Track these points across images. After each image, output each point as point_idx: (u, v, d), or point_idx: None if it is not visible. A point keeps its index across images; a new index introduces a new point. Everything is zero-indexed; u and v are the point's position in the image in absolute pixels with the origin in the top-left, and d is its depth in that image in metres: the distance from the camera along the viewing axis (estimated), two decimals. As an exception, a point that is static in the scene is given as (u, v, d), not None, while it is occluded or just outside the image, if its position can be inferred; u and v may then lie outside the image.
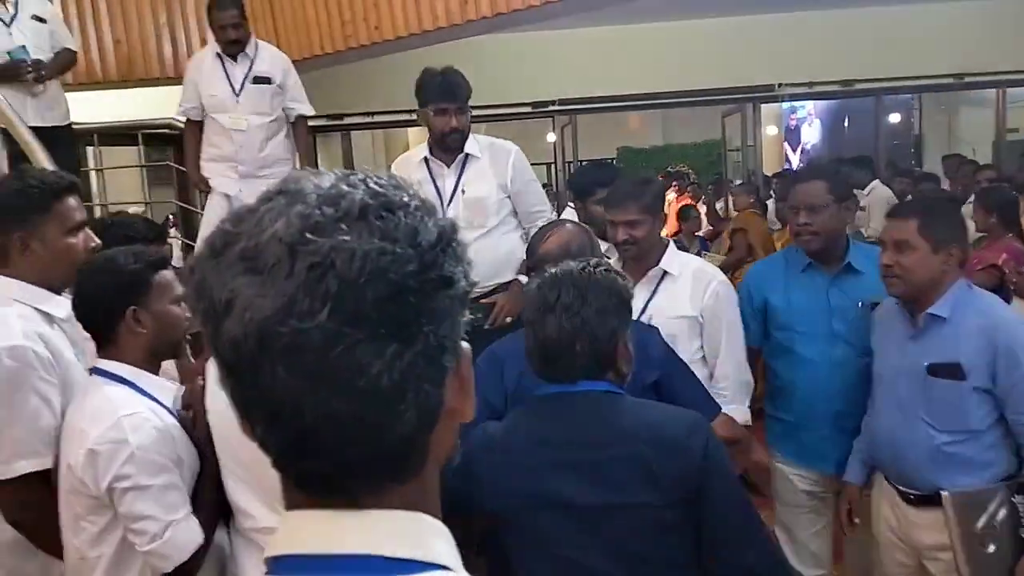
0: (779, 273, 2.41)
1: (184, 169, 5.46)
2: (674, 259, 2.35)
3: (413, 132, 11.52)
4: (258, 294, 0.51)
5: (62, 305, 1.68)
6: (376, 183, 0.55)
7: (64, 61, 3.87)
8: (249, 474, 1.43)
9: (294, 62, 4.67)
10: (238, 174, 3.70)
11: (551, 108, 6.60)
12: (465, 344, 0.59)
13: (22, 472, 1.56)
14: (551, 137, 11.43)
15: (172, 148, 5.70)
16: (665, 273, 2.33)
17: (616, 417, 1.38)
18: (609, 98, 6.68)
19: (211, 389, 1.51)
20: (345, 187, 0.54)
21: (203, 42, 5.00)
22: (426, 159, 2.83)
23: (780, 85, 6.88)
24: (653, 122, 14.69)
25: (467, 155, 2.77)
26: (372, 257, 0.51)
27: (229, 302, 0.52)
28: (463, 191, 2.84)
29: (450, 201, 2.84)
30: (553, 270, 1.43)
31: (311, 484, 0.56)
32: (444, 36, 4.07)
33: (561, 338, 1.35)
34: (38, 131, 3.48)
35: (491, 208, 2.79)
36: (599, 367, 1.38)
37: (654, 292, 2.35)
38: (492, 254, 2.76)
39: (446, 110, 2.66)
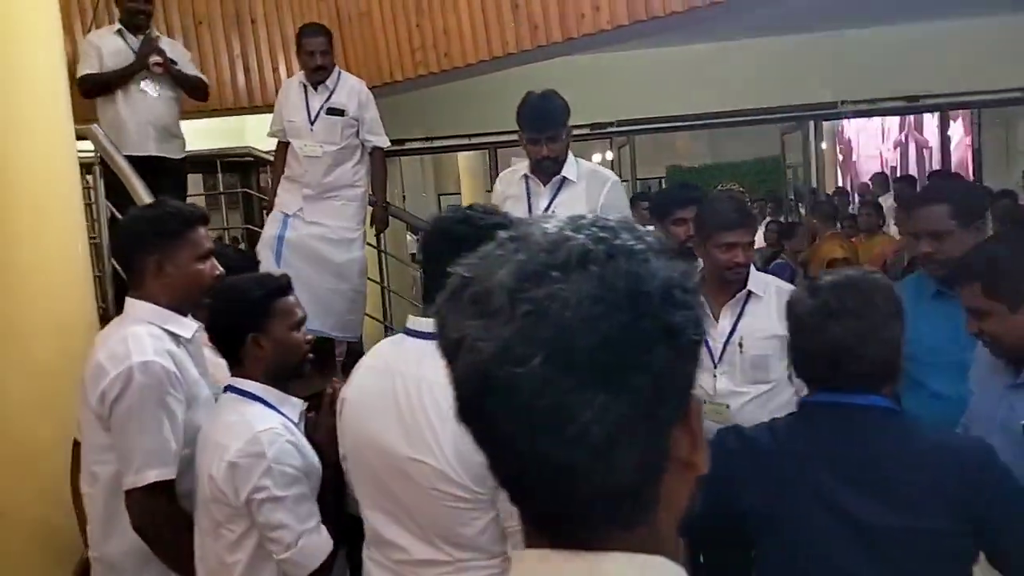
0: (907, 300, 2.35)
1: (251, 193, 5.70)
2: (758, 279, 2.35)
3: (463, 156, 11.69)
4: (482, 337, 0.53)
5: (188, 326, 1.78)
6: (603, 227, 0.56)
7: (194, 79, 4.13)
8: (399, 507, 1.46)
9: (364, 90, 4.80)
10: (302, 196, 3.85)
11: (609, 129, 6.63)
12: (697, 399, 0.59)
13: (150, 481, 1.66)
14: (608, 155, 11.44)
15: (241, 175, 5.90)
16: (751, 294, 2.33)
17: (908, 437, 1.37)
18: (668, 118, 6.68)
19: (353, 419, 1.54)
20: (569, 232, 0.55)
21: (275, 72, 5.17)
22: (526, 175, 2.89)
23: (842, 103, 6.81)
24: (702, 141, 14.64)
25: (564, 178, 2.81)
26: (584, 306, 0.51)
27: (459, 342, 0.55)
28: (553, 212, 2.88)
29: None
30: (828, 276, 1.44)
31: (541, 523, 0.58)
32: (513, 62, 4.13)
33: (848, 343, 1.34)
34: (156, 160, 3.68)
35: None
36: (882, 377, 1.37)
37: (740, 314, 2.35)
38: None
39: (537, 139, 2.74)
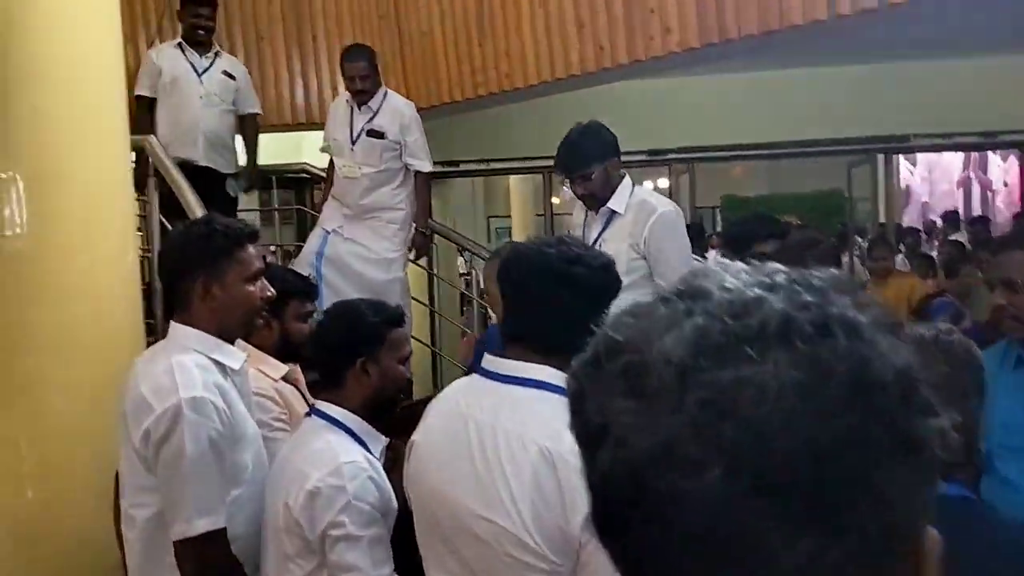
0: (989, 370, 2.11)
1: (305, 210, 5.70)
2: None
3: (514, 179, 11.63)
4: (636, 426, 0.39)
5: (237, 356, 1.68)
6: (806, 285, 0.41)
7: (253, 135, 4.29)
8: (465, 569, 1.33)
9: (422, 110, 4.74)
10: (343, 214, 3.83)
11: (669, 156, 6.47)
12: (932, 531, 0.42)
13: (201, 531, 1.52)
14: (662, 182, 11.26)
15: (296, 191, 5.90)
16: None
17: (991, 533, 1.24)
18: (733, 146, 6.50)
19: (421, 466, 1.42)
20: (761, 291, 0.40)
21: (334, 90, 5.15)
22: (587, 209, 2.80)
23: (914, 136, 6.56)
24: (758, 171, 14.37)
25: (612, 211, 2.70)
26: (788, 399, 0.37)
27: (603, 427, 0.41)
28: (600, 245, 2.76)
29: None
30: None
31: None
32: (576, 84, 4.02)
33: None
34: (206, 172, 3.68)
35: (619, 267, 2.68)
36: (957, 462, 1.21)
37: None
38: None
39: (569, 179, 2.68)
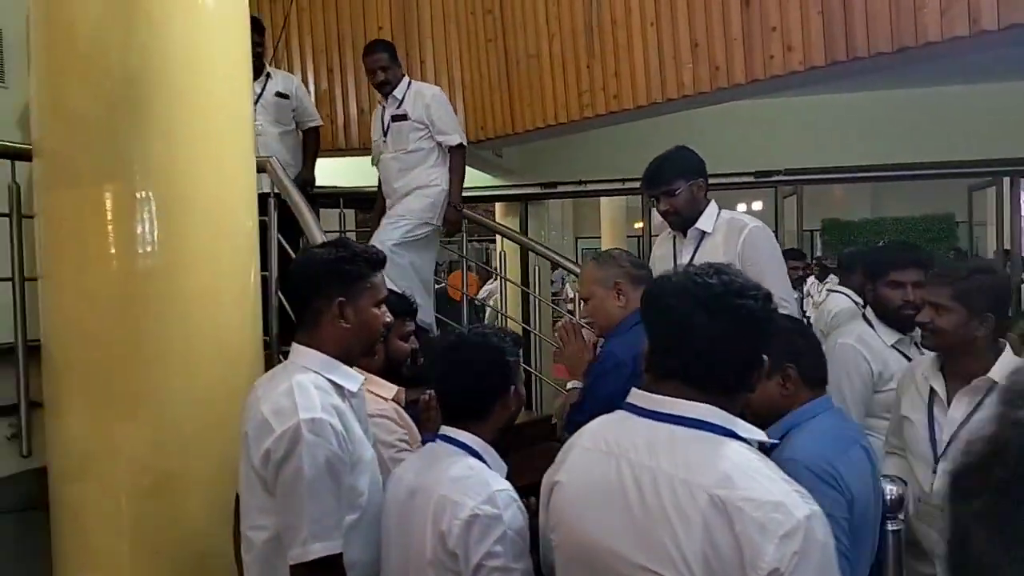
0: None
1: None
2: (1005, 366, 1.99)
3: (605, 201, 11.53)
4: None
5: (355, 379, 1.67)
6: None
7: (313, 147, 4.38)
8: None
9: (526, 131, 4.74)
10: (386, 207, 3.99)
11: (775, 178, 6.26)
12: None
13: (318, 556, 1.49)
14: (756, 205, 10.94)
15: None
16: (995, 384, 1.99)
17: None
18: (845, 168, 6.24)
19: (568, 510, 1.34)
20: None
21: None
22: (674, 233, 2.76)
23: (1042, 158, 6.14)
24: (860, 194, 13.82)
25: (702, 231, 2.64)
26: None
27: (962, 541, 0.36)
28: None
29: None
30: None
31: None
32: (687, 105, 3.93)
33: None
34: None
35: None
36: None
37: (979, 405, 2.00)
38: None
39: (654, 196, 2.67)
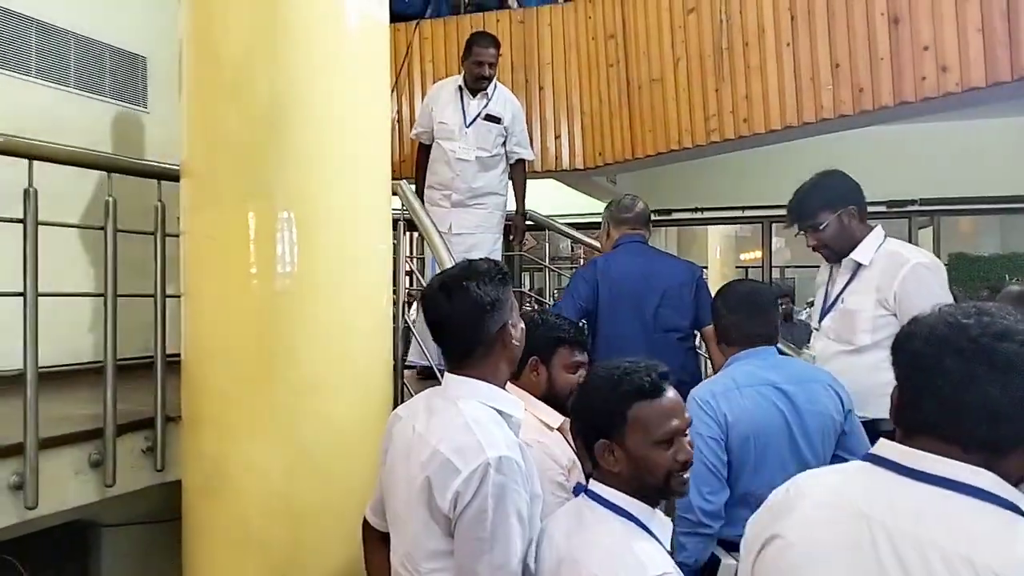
0: None
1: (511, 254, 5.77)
2: None
3: (713, 229, 11.24)
4: None
5: (518, 406, 1.58)
6: None
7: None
8: None
9: (647, 157, 4.63)
10: (450, 203, 3.85)
11: (910, 208, 5.92)
12: None
13: None
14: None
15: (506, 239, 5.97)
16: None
17: None
18: (987, 199, 5.84)
19: (807, 571, 1.13)
20: None
21: (557, 139, 5.17)
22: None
23: None
24: (989, 227, 13.00)
25: (858, 263, 2.45)
26: None
27: None
28: (842, 301, 2.49)
29: (829, 308, 2.53)
30: None
31: None
32: (824, 129, 3.74)
33: None
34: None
35: (862, 324, 2.39)
36: None
37: None
38: (851, 378, 2.34)
39: (802, 230, 2.53)
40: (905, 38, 3.22)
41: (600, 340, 3.01)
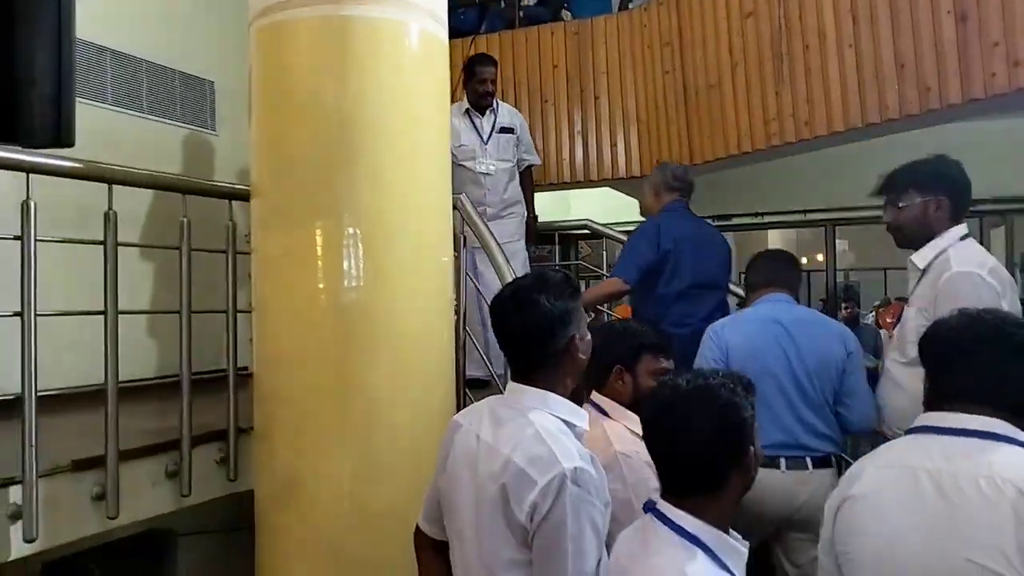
0: None
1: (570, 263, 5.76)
2: None
3: (773, 234, 11.02)
4: None
5: (583, 415, 1.58)
6: None
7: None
8: None
9: (705, 162, 4.59)
10: (486, 217, 3.86)
11: (980, 207, 5.71)
12: None
13: None
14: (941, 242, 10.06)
15: (562, 245, 5.98)
16: None
17: None
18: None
19: (871, 520, 1.47)
20: None
21: (613, 147, 5.16)
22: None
23: None
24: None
25: (917, 268, 2.35)
26: None
27: None
28: (909, 303, 2.43)
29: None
30: None
31: None
32: (889, 129, 3.65)
33: None
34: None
35: (910, 336, 2.27)
36: None
37: None
38: (900, 393, 2.29)
39: (885, 204, 2.48)
40: (973, 34, 3.13)
41: (655, 298, 3.20)
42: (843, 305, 7.00)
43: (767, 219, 6.45)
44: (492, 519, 1.49)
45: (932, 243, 2.32)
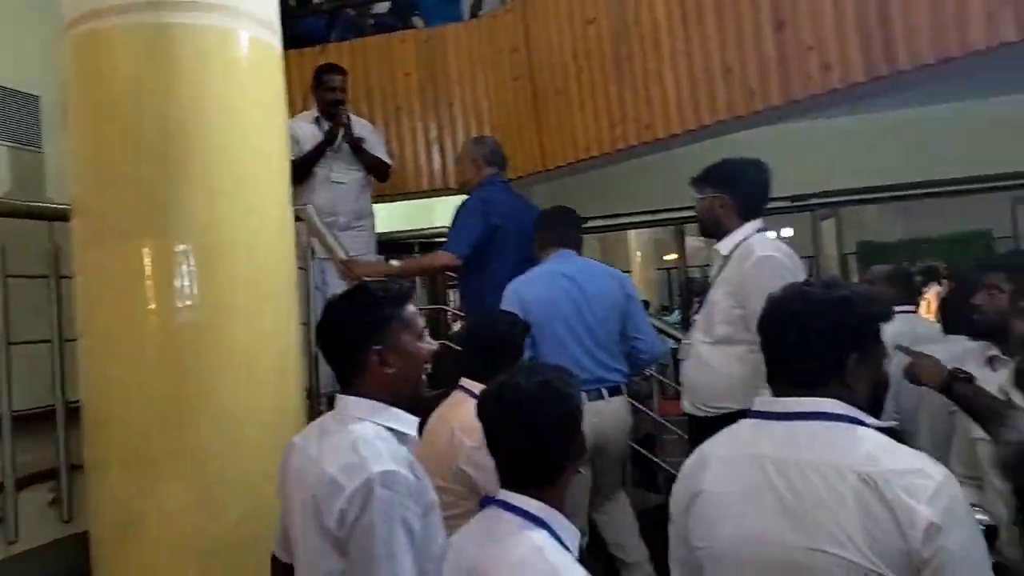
0: None
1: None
2: None
3: (633, 233, 11.44)
4: None
5: (410, 422, 1.58)
6: None
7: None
8: None
9: (557, 168, 4.69)
10: (337, 227, 3.86)
11: (811, 201, 6.14)
12: None
13: None
14: (787, 231, 10.80)
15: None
16: None
17: None
18: (880, 188, 6.11)
19: (718, 514, 1.45)
20: None
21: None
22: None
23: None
24: (893, 214, 13.58)
25: (721, 255, 2.57)
26: None
27: None
28: (710, 293, 2.63)
29: (704, 301, 2.66)
30: None
31: None
32: (723, 130, 3.85)
33: None
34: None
35: (718, 316, 2.52)
36: None
37: None
38: (706, 371, 2.47)
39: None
40: (790, 40, 3.35)
41: (489, 273, 3.36)
42: (695, 299, 7.34)
43: (621, 220, 6.66)
44: (308, 531, 1.47)
45: (732, 234, 2.58)
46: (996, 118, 5.88)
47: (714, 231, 2.63)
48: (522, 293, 2.95)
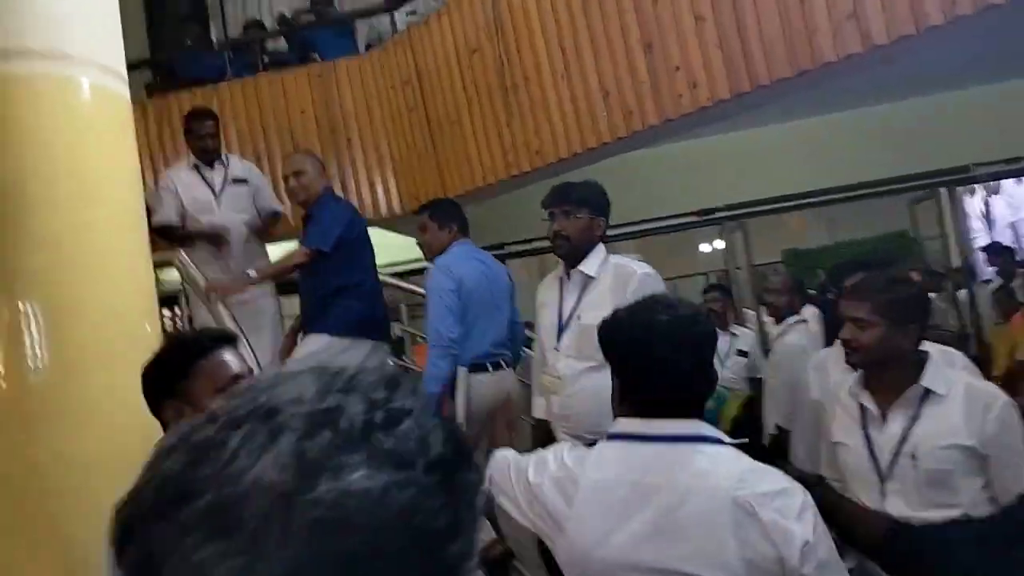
0: None
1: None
2: (938, 373, 1.93)
3: (549, 258, 11.50)
4: (241, 571, 0.36)
5: None
6: (371, 381, 0.43)
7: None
8: None
9: (456, 196, 4.69)
10: (231, 271, 3.77)
11: (718, 215, 6.26)
12: None
13: None
14: (718, 244, 11.00)
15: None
16: (928, 392, 1.91)
17: None
18: (785, 197, 6.26)
19: (592, 537, 1.46)
20: (338, 398, 0.42)
21: (371, 188, 5.16)
22: (561, 277, 2.70)
23: (974, 166, 6.21)
24: (816, 222, 13.96)
25: (588, 276, 2.59)
26: (393, 495, 0.38)
27: None
28: (579, 317, 2.61)
29: (565, 325, 2.62)
30: None
31: None
32: (609, 152, 3.90)
33: None
34: None
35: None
36: None
37: (916, 417, 1.92)
38: (594, 396, 2.48)
39: (552, 215, 2.64)
40: (659, 61, 3.43)
41: (351, 269, 3.53)
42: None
43: (535, 244, 6.67)
44: None
45: (592, 256, 2.62)
46: (885, 127, 6.11)
47: (582, 251, 2.63)
48: (456, 272, 3.22)
